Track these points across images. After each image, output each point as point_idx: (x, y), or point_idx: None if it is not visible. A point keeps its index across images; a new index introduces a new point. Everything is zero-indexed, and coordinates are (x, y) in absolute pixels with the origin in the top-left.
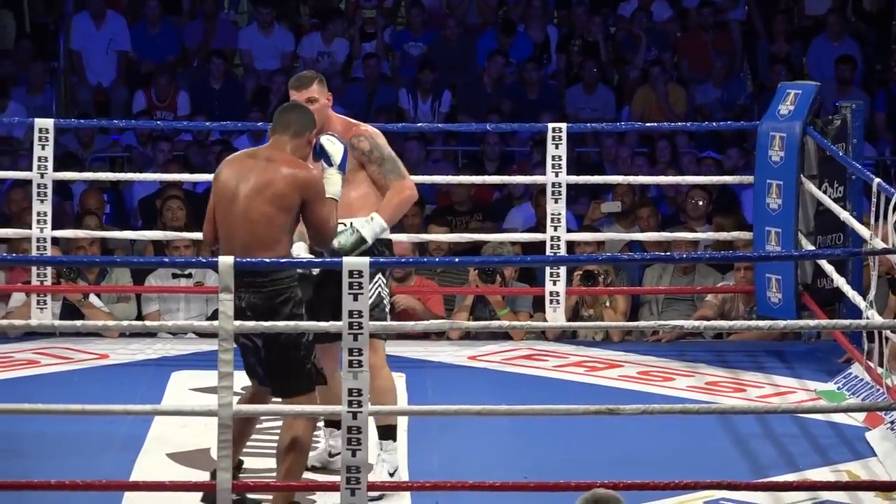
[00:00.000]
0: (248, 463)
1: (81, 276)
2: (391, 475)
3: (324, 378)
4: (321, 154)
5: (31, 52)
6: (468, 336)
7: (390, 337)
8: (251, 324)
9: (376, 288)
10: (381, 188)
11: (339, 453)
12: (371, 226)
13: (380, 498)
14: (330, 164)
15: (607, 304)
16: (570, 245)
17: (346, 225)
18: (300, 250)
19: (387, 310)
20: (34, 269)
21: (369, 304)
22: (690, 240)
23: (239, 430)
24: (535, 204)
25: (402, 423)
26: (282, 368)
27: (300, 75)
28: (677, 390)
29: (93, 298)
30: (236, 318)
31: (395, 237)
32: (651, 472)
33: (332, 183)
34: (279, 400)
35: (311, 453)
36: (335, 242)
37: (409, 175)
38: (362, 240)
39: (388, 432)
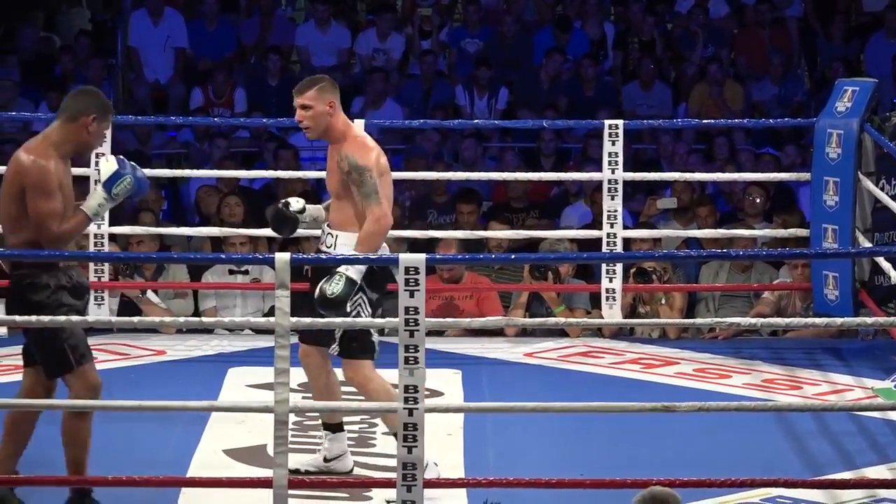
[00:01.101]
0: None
1: (139, 272)
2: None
3: (76, 362)
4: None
5: (89, 48)
6: (524, 333)
7: (439, 333)
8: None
9: (356, 307)
10: (360, 213)
11: (335, 458)
12: (357, 266)
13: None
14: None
15: (663, 301)
16: (627, 242)
17: (332, 235)
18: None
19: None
20: (92, 266)
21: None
22: (747, 237)
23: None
24: (589, 202)
25: (458, 420)
26: (36, 350)
27: (304, 80)
28: (734, 387)
29: (150, 295)
30: None
31: (451, 234)
32: (707, 470)
33: (91, 197)
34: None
35: (307, 458)
36: (328, 292)
37: (385, 201)
38: (352, 282)
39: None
